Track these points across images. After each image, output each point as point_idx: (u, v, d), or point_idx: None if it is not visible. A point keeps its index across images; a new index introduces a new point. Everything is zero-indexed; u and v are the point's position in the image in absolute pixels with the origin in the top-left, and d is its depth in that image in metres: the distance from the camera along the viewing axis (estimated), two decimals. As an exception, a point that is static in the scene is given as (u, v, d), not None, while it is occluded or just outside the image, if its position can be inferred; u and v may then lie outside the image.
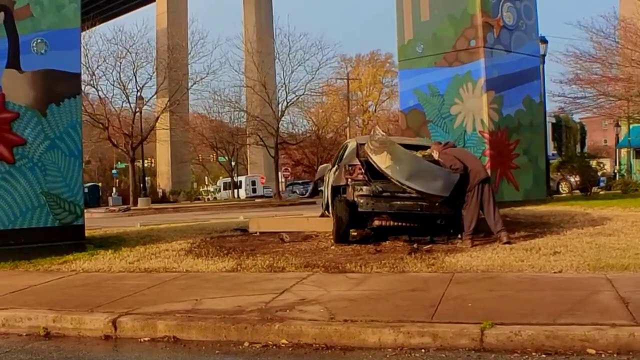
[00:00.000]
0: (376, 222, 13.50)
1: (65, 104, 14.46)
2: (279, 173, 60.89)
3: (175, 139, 68.34)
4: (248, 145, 65.13)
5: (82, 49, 48.43)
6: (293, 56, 51.38)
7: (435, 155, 13.29)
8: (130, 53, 49.26)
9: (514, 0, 23.55)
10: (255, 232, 16.53)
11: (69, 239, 14.37)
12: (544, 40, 29.92)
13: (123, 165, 72.97)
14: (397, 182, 12.50)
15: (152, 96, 49.43)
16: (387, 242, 13.44)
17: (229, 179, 71.89)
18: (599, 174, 43.97)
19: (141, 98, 47.58)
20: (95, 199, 67.19)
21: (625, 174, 42.93)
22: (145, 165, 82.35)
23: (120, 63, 48.75)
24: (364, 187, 13.08)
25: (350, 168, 13.63)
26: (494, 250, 11.80)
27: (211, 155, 77.52)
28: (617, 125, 46.87)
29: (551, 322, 6.81)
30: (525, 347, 6.44)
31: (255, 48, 56.87)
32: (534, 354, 6.33)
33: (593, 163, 35.91)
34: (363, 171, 13.20)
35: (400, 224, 13.47)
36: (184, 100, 57.12)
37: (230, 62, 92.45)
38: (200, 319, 7.68)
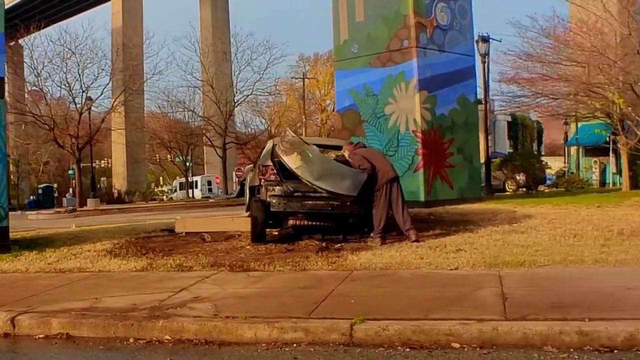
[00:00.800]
0: (291, 222, 13.91)
1: (-12, 107, 14.70)
2: (233, 173, 61.02)
3: (131, 139, 68.43)
4: (204, 146, 65.18)
5: (28, 50, 49.11)
6: (241, 56, 51.72)
7: (346, 155, 13.69)
8: (75, 54, 49.38)
9: (448, 0, 24.07)
10: (182, 232, 16.81)
11: (-7, 240, 14.61)
12: (486, 39, 30.47)
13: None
14: (307, 182, 12.90)
15: (99, 96, 49.48)
16: (302, 241, 13.80)
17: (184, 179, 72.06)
18: (552, 171, 44.79)
19: (90, 98, 47.59)
20: (49, 199, 67.24)
21: (574, 172, 43.63)
22: (103, 165, 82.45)
23: (66, 64, 48.91)
24: (276, 188, 13.49)
25: (263, 169, 13.99)
26: (400, 248, 12.19)
27: (168, 156, 77.52)
28: (566, 124, 47.52)
29: (423, 317, 7.20)
30: (393, 341, 6.80)
31: (203, 48, 57.01)
32: (399, 348, 6.70)
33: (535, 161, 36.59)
34: (275, 171, 13.56)
35: (315, 223, 13.89)
36: (132, 100, 57.06)
37: (179, 62, 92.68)
38: (92, 317, 8.03)
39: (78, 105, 47.10)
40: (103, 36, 62.91)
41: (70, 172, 76.67)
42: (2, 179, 15.06)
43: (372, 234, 13.36)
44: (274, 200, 13.44)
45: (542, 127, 68.18)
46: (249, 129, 62.53)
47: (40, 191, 71.82)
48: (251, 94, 47.95)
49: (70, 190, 72.19)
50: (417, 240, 12.65)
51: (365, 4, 24.15)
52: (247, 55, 51.54)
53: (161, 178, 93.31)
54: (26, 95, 53.45)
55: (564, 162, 49.09)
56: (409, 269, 10.30)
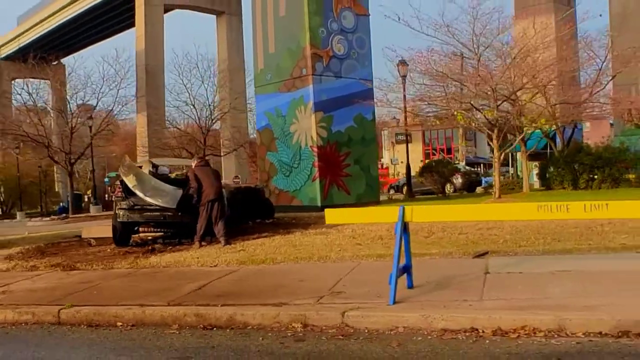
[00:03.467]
0: (141, 229, 15.25)
1: None
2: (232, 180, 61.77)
3: (152, 151, 69.66)
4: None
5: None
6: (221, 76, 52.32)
7: (192, 167, 14.80)
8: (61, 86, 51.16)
9: (345, 33, 25.20)
10: (87, 238, 17.92)
11: None
12: (405, 63, 31.29)
13: (114, 174, 74.81)
14: (141, 198, 14.19)
15: (89, 117, 49.86)
16: (147, 245, 14.97)
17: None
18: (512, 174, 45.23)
19: (90, 117, 48.74)
20: (78, 206, 68.78)
21: (513, 175, 44.08)
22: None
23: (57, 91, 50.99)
24: (122, 202, 14.78)
25: (114, 187, 15.37)
26: (203, 250, 13.31)
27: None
28: (512, 134, 47.96)
29: (114, 303, 8.38)
30: (82, 321, 8.02)
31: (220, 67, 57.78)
32: (82, 326, 7.91)
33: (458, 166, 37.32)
34: (121, 189, 14.83)
35: (158, 230, 15.23)
36: (155, 115, 58.08)
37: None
38: None
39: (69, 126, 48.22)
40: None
41: (106, 179, 78.28)
42: None
43: (194, 239, 14.40)
44: (120, 212, 14.78)
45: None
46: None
47: (68, 198, 73.39)
48: (227, 112, 48.47)
49: (106, 196, 73.53)
50: (227, 244, 13.63)
51: (276, 38, 25.46)
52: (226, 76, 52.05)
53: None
54: (75, 109, 54.34)
55: (511, 166, 49.44)
56: (181, 267, 11.43)
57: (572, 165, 28.35)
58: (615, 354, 5.50)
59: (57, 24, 69.44)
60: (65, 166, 50.43)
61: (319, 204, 23.33)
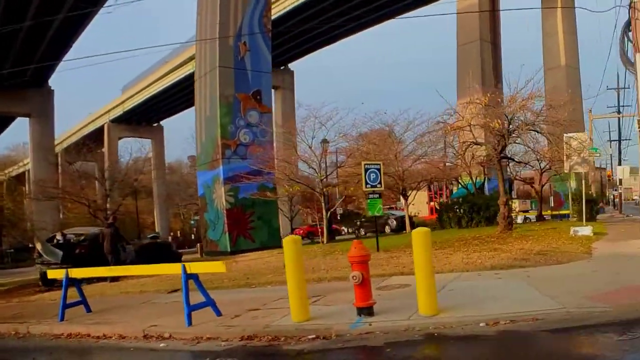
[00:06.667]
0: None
1: None
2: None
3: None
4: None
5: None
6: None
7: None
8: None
9: (251, 127, 30.58)
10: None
11: None
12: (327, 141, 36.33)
13: (197, 217, 78.34)
14: (45, 257, 20.00)
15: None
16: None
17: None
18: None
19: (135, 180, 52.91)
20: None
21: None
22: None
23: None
24: (38, 259, 20.14)
25: (36, 249, 21.02)
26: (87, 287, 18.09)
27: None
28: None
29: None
30: None
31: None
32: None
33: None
34: (38, 251, 20.42)
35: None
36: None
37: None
38: None
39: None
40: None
41: (192, 221, 79.39)
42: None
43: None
44: (37, 265, 20.37)
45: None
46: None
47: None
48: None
49: (192, 236, 75.10)
50: (113, 281, 18.34)
51: (205, 131, 31.16)
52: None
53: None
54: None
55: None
56: (42, 300, 15.74)
57: (456, 211, 32.84)
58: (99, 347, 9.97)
59: (152, 93, 71.82)
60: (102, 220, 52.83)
61: (228, 249, 28.63)
